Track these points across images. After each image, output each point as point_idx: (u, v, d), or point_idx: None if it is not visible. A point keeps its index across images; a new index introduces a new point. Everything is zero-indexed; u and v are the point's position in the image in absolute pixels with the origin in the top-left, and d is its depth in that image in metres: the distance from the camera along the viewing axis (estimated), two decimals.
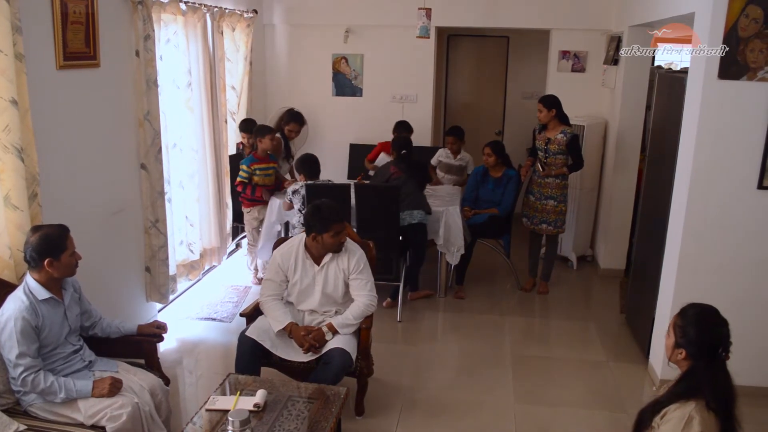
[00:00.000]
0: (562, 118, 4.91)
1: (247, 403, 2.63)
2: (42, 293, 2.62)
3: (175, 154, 4.66)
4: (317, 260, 3.36)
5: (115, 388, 2.63)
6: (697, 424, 2.01)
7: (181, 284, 4.88)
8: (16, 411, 2.62)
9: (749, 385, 3.73)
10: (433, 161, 5.89)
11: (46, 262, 2.59)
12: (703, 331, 2.09)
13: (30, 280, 2.63)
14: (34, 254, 2.59)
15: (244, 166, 5.03)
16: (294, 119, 5.57)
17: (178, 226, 4.76)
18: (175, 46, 4.53)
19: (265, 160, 5.10)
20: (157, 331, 3.07)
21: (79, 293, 2.87)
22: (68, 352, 2.72)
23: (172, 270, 4.52)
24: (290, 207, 4.85)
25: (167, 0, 4.23)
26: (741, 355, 3.67)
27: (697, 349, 2.09)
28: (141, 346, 3.01)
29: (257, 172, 5.06)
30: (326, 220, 3.21)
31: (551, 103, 4.87)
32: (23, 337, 2.51)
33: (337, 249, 3.32)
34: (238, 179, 5.04)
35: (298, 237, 3.41)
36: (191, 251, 4.92)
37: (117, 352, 2.97)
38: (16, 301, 2.57)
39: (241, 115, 5.76)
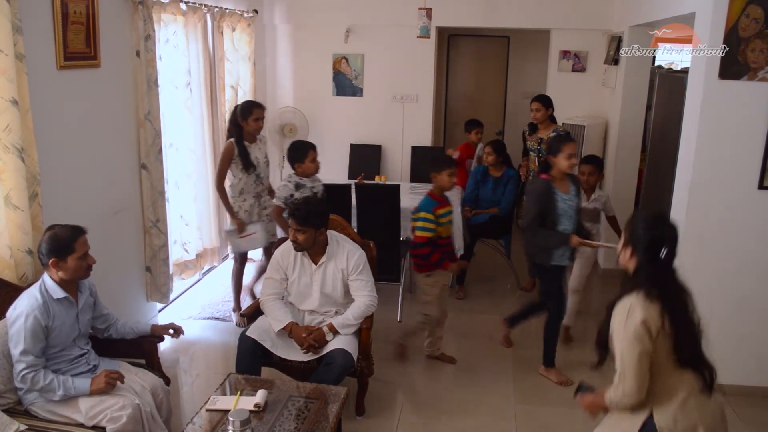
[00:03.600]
0: (552, 118, 4.95)
1: (248, 403, 2.63)
2: (58, 292, 2.63)
3: (172, 153, 4.66)
4: (314, 259, 3.36)
5: (111, 379, 2.62)
6: (638, 313, 2.08)
7: (175, 284, 4.86)
8: (16, 411, 2.63)
9: (750, 385, 3.74)
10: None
11: (51, 263, 2.60)
12: (648, 229, 2.18)
13: (47, 278, 2.64)
14: (42, 253, 2.62)
15: (426, 214, 3.69)
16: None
17: (174, 225, 4.76)
18: (174, 46, 4.53)
19: (443, 200, 3.82)
20: (171, 334, 3.08)
21: (94, 297, 2.88)
22: (75, 355, 2.73)
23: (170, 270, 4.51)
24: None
25: (167, 0, 4.23)
26: (742, 356, 3.70)
27: (641, 246, 2.17)
28: (142, 346, 3.01)
29: (440, 220, 3.72)
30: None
31: (549, 102, 4.92)
32: (31, 335, 2.52)
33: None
34: (423, 233, 3.68)
35: None
36: (186, 251, 4.92)
37: (118, 352, 2.98)
38: (30, 297, 2.59)
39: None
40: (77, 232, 2.66)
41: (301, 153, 4.11)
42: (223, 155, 4.42)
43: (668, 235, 2.16)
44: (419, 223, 3.71)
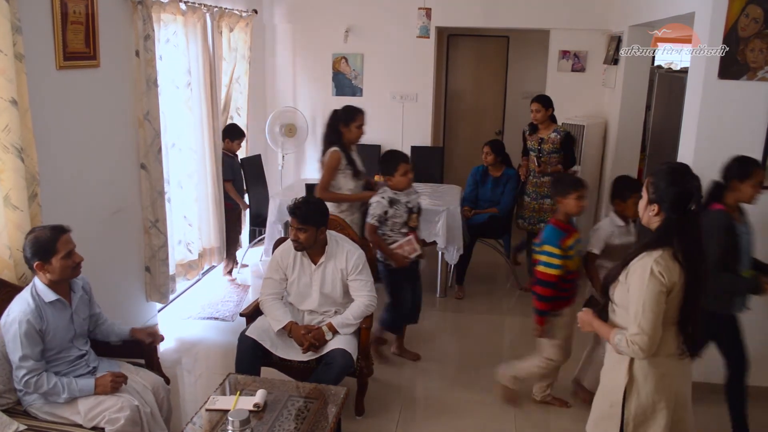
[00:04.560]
0: (552, 118, 4.96)
1: (247, 403, 2.63)
2: (49, 295, 2.61)
3: (174, 153, 4.66)
4: (314, 259, 3.36)
5: (117, 382, 2.62)
6: (662, 272, 2.07)
7: (179, 284, 4.88)
8: (16, 411, 2.62)
9: (751, 385, 3.73)
10: (597, 246, 3.39)
11: (36, 266, 2.57)
12: (674, 183, 2.13)
13: (37, 282, 2.62)
14: (26, 257, 2.59)
15: (551, 248, 3.17)
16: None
17: (177, 225, 4.76)
18: (174, 46, 4.53)
19: (570, 228, 3.29)
20: (148, 339, 2.96)
21: (89, 295, 2.85)
22: (74, 357, 2.71)
23: (171, 270, 4.51)
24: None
25: (167, 0, 4.23)
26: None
27: (668, 201, 2.13)
28: (141, 346, 3.00)
29: (569, 252, 3.20)
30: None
31: (549, 102, 4.92)
32: (27, 340, 2.50)
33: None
34: (548, 271, 3.16)
35: None
36: (189, 251, 4.92)
37: (118, 352, 2.97)
38: (22, 302, 2.56)
39: (243, 115, 5.75)
40: (58, 231, 2.60)
41: (391, 166, 3.73)
42: (330, 165, 3.99)
43: (694, 188, 2.13)
44: (543, 258, 3.19)
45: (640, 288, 2.10)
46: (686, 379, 2.25)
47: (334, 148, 4.01)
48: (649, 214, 2.20)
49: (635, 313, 2.12)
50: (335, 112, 4.12)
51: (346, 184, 4.04)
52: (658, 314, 2.09)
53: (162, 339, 3.07)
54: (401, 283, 3.85)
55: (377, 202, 3.74)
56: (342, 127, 4.03)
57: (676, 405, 2.19)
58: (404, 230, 3.78)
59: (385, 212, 3.72)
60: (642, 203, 2.24)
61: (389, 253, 3.74)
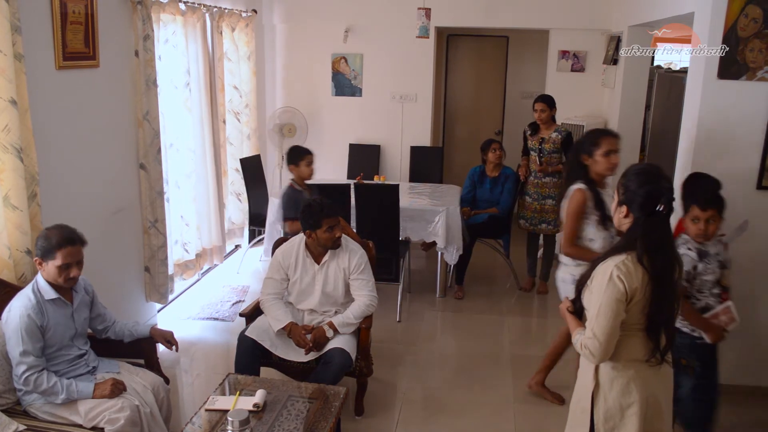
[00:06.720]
0: (552, 118, 4.97)
1: (247, 403, 2.63)
2: (49, 293, 2.62)
3: (172, 154, 4.65)
4: (317, 259, 3.36)
5: (116, 389, 2.62)
6: (622, 279, 2.02)
7: (177, 284, 4.87)
8: (15, 411, 2.62)
9: (751, 384, 3.74)
10: None
11: (35, 260, 2.61)
12: (643, 183, 2.07)
13: (39, 279, 2.63)
14: (36, 247, 2.62)
15: None
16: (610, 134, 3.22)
17: (174, 226, 4.75)
18: (174, 46, 4.53)
19: None
20: (165, 344, 3.02)
21: (91, 296, 2.86)
22: (74, 356, 2.71)
23: (170, 270, 4.51)
24: None
25: (166, 0, 4.23)
26: (741, 356, 3.70)
27: (636, 203, 2.08)
28: (140, 346, 3.00)
29: None
30: (317, 215, 3.22)
31: (553, 102, 4.92)
32: (27, 335, 2.51)
33: (333, 245, 3.31)
34: None
35: (300, 236, 3.41)
36: (186, 251, 4.91)
37: (117, 352, 2.97)
38: (23, 298, 2.58)
39: (249, 117, 5.73)
40: (66, 241, 2.59)
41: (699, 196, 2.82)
42: (574, 210, 3.10)
43: (664, 189, 2.06)
44: None
45: (599, 292, 2.06)
46: (661, 387, 2.17)
47: (577, 186, 3.13)
48: (619, 216, 2.16)
49: (591, 317, 2.09)
50: (566, 137, 3.22)
51: (587, 233, 3.13)
52: (613, 321, 2.04)
53: (176, 348, 3.04)
54: (713, 358, 2.94)
55: (684, 256, 2.80)
56: (585, 158, 3.15)
57: (648, 413, 2.13)
58: (716, 290, 2.92)
59: (695, 267, 2.86)
60: (614, 205, 2.21)
61: (704, 325, 2.85)
